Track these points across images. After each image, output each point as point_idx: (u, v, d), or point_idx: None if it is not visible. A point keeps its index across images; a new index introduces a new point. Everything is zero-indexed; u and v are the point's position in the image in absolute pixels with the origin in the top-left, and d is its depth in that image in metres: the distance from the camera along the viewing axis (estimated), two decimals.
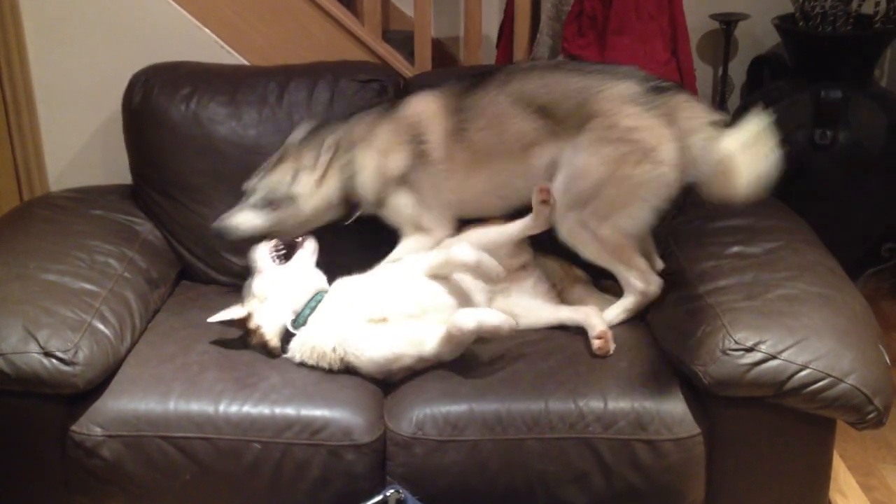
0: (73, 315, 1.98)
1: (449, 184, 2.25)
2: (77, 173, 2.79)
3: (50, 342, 1.89)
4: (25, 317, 1.93)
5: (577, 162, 2.12)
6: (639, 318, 2.23)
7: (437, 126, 2.25)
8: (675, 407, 1.93)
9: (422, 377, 2.04)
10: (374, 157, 2.28)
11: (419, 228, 2.28)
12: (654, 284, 2.18)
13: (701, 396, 1.94)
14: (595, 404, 1.92)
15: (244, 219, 2.27)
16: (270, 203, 2.27)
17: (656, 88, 2.09)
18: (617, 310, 2.20)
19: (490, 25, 3.09)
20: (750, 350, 1.85)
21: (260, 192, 2.28)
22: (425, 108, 2.27)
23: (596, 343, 2.08)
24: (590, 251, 2.17)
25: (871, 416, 1.84)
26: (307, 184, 2.27)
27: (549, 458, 1.92)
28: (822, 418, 1.91)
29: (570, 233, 2.16)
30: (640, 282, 2.17)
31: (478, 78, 2.28)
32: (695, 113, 2.06)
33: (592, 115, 2.10)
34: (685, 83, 2.65)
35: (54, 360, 1.87)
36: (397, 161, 2.26)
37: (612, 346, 2.08)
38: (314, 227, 2.29)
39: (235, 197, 2.43)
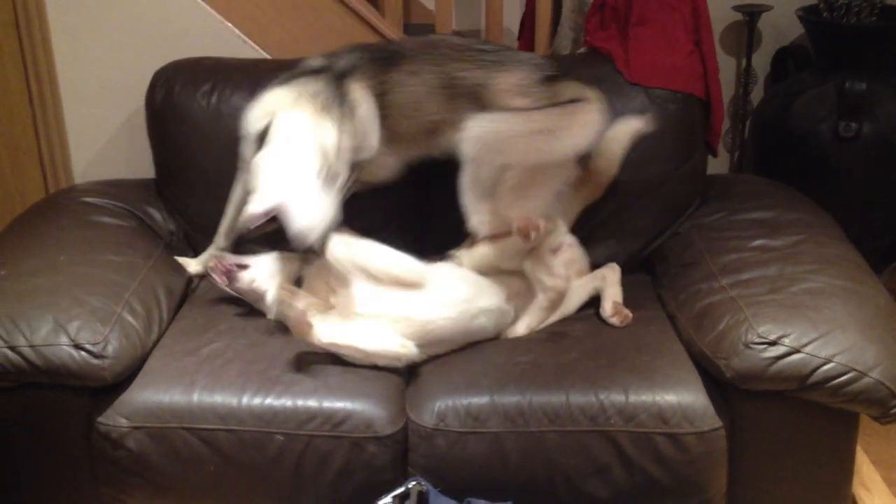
0: (102, 307, 2.00)
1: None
2: (101, 167, 2.81)
3: (80, 334, 1.91)
4: (56, 308, 1.95)
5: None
6: (661, 311, 2.24)
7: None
8: (696, 400, 1.92)
9: (443, 369, 2.05)
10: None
11: None
12: None
13: (723, 390, 1.94)
14: (616, 397, 1.93)
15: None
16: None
17: (548, 78, 2.19)
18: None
19: (511, 18, 3.08)
20: (773, 343, 1.84)
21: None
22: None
23: (613, 320, 2.17)
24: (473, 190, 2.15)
25: (895, 409, 1.83)
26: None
27: (571, 451, 1.93)
28: (845, 412, 1.91)
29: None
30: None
31: (391, 55, 2.27)
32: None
33: (487, 104, 2.16)
34: (709, 75, 2.64)
35: (84, 353, 1.90)
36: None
37: (627, 313, 2.18)
38: None
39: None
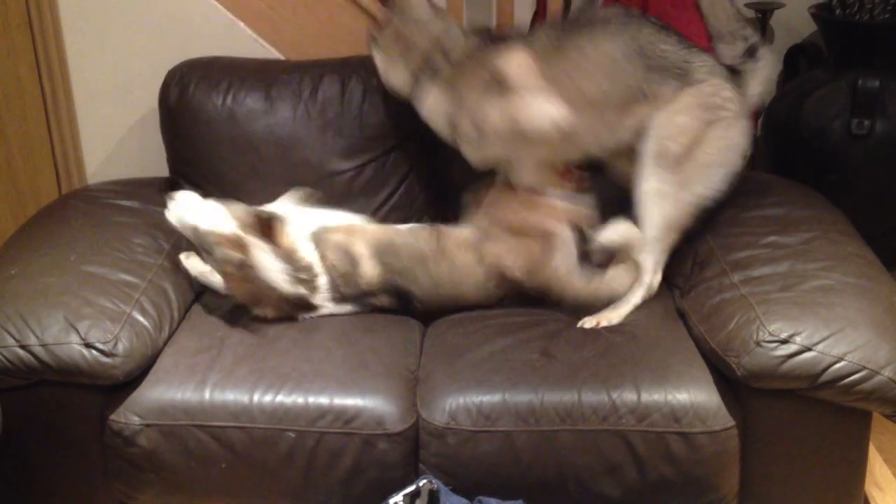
0: (113, 306, 2.01)
1: None
2: (114, 167, 2.82)
3: (90, 333, 1.92)
4: (66, 308, 1.96)
5: (678, 121, 2.17)
6: (672, 307, 2.24)
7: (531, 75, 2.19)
8: (709, 399, 1.92)
9: (454, 366, 2.05)
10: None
11: None
12: (657, 282, 2.25)
13: (735, 389, 1.93)
14: (628, 396, 1.92)
15: None
16: None
17: (733, 71, 2.24)
18: (626, 307, 2.22)
19: (522, 14, 3.08)
20: (784, 342, 1.84)
21: None
22: (518, 59, 2.20)
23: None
24: (658, 216, 2.19)
25: None
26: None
27: (582, 450, 1.92)
28: (857, 410, 1.90)
29: (654, 192, 2.18)
30: (654, 275, 2.23)
31: (576, 22, 2.25)
32: None
33: (692, 83, 2.17)
34: None
35: (94, 352, 1.91)
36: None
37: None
38: None
39: (270, 191, 2.47)
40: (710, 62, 2.20)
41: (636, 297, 2.23)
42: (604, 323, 2.17)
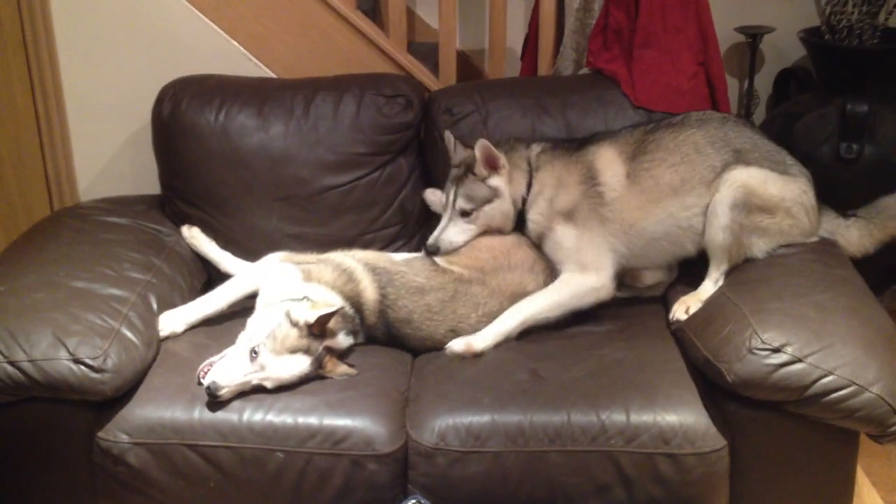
0: (101, 322, 2.00)
1: (617, 226, 2.28)
2: (106, 183, 2.82)
3: (79, 349, 1.92)
4: (55, 324, 1.96)
5: (763, 180, 2.24)
6: (664, 325, 2.25)
7: (614, 170, 2.30)
8: (698, 421, 1.92)
9: (444, 386, 2.05)
10: (549, 186, 2.34)
11: (581, 265, 2.28)
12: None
13: (723, 411, 1.94)
14: (617, 417, 1.93)
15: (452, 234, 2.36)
16: (465, 213, 2.35)
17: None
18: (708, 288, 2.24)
19: (514, 38, 3.10)
20: (777, 350, 1.85)
21: (459, 202, 2.35)
22: (604, 153, 2.33)
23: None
24: (720, 240, 2.22)
25: (894, 427, 1.83)
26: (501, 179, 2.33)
27: (571, 471, 1.93)
28: (845, 432, 1.90)
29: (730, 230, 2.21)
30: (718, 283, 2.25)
31: (658, 124, 2.38)
32: None
33: (785, 173, 2.30)
34: (717, 94, 2.66)
35: (83, 367, 1.90)
36: (567, 196, 2.31)
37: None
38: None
39: (262, 208, 2.47)
40: (802, 167, 2.34)
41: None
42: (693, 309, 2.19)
